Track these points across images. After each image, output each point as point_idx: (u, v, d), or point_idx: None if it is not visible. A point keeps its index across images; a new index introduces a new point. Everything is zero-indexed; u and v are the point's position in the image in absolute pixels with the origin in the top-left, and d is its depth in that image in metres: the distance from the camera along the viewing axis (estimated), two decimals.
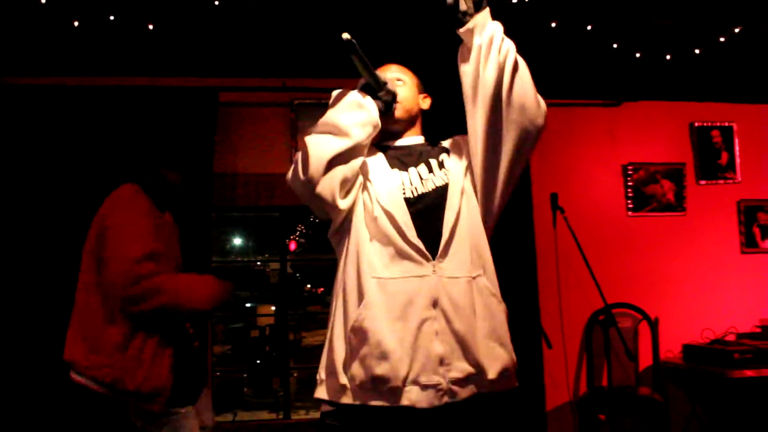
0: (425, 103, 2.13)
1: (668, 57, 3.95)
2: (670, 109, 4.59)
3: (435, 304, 1.76)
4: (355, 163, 1.86)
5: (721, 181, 4.63)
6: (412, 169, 1.95)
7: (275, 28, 3.89)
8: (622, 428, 4.24)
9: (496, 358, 1.81)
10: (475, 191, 1.93)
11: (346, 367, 1.79)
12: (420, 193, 1.90)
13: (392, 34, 3.81)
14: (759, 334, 4.29)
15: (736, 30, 3.79)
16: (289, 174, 1.88)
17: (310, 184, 1.81)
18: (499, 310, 1.86)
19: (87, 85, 3.85)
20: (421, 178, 1.93)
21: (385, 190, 1.88)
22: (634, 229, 4.51)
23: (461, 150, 2.01)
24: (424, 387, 1.74)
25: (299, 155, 1.85)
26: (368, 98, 1.87)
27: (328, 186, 1.81)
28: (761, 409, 4.07)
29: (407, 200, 1.87)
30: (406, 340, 1.74)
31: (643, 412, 3.97)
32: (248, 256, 4.71)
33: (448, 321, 1.76)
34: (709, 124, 4.63)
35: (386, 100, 1.91)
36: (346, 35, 1.68)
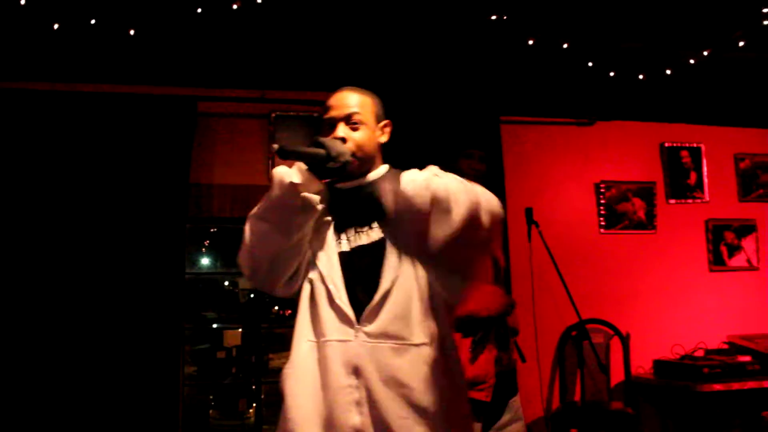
0: (385, 135, 1.88)
1: (641, 77, 4.06)
2: (642, 130, 4.71)
3: (357, 372, 1.65)
4: (301, 250, 1.76)
5: (690, 201, 4.75)
6: (353, 220, 1.81)
7: (256, 39, 3.90)
8: None
9: None
10: None
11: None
12: (355, 246, 1.77)
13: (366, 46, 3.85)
14: (727, 350, 4.38)
15: (705, 53, 3.92)
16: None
17: (253, 280, 1.81)
18: (446, 385, 1.67)
19: (63, 91, 3.80)
20: (357, 230, 1.79)
21: (321, 245, 1.79)
22: (606, 246, 4.58)
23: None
24: None
25: (244, 236, 1.74)
26: (309, 198, 1.69)
27: (269, 282, 1.78)
28: (729, 422, 4.14)
29: (342, 255, 1.76)
30: (320, 409, 1.65)
31: (616, 426, 4.01)
32: (221, 269, 4.69)
33: (369, 391, 1.63)
34: (679, 144, 4.75)
35: (336, 167, 1.67)
36: (275, 146, 1.59)
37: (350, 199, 1.81)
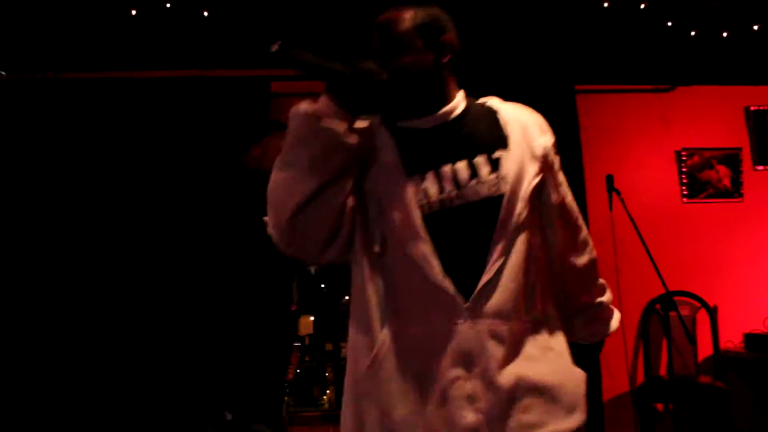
0: (446, 51, 1.47)
1: (724, 35, 3.87)
2: (725, 94, 4.50)
3: (468, 361, 1.34)
4: (338, 199, 1.37)
5: None
6: (444, 170, 1.41)
7: (324, 16, 3.90)
8: (683, 418, 4.12)
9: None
10: (545, 216, 1.50)
11: None
12: (453, 205, 1.39)
13: None
14: None
15: None
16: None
17: (279, 242, 1.40)
18: (566, 371, 1.45)
19: (139, 77, 3.90)
20: (457, 183, 1.40)
21: (395, 206, 1.39)
22: (690, 216, 4.41)
23: (536, 157, 1.46)
24: None
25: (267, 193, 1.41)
26: (327, 120, 1.32)
27: (300, 244, 1.40)
28: None
29: (429, 218, 1.38)
30: (426, 409, 1.34)
31: (705, 401, 3.86)
32: None
33: (487, 382, 1.34)
34: (766, 107, 4.52)
35: (369, 90, 1.35)
36: (274, 47, 1.29)
37: (434, 142, 1.45)
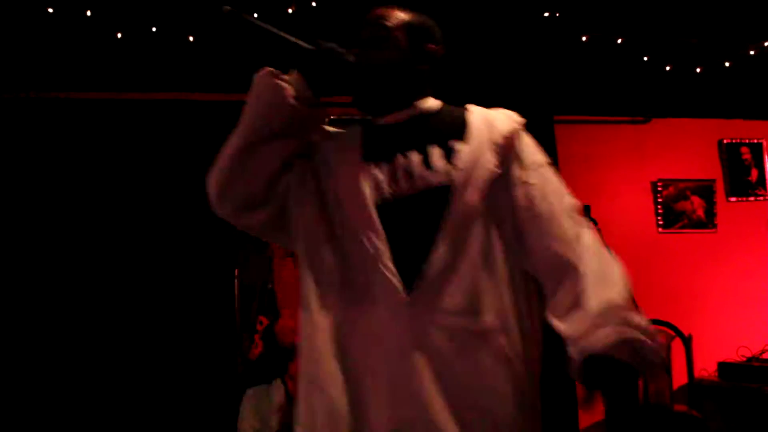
0: (427, 59, 1.50)
1: (698, 70, 3.99)
2: (699, 126, 4.61)
3: (404, 356, 1.29)
4: (269, 164, 1.45)
5: (752, 198, 4.63)
6: (400, 159, 1.41)
7: (311, 41, 3.94)
8: None
9: None
10: (503, 214, 1.41)
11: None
12: (404, 194, 1.37)
13: None
14: None
15: (766, 44, 3.83)
16: None
17: (212, 195, 1.48)
18: (519, 389, 1.33)
19: (122, 99, 3.88)
20: (409, 173, 1.39)
21: (349, 192, 1.40)
22: (665, 246, 4.48)
23: (497, 146, 1.41)
24: None
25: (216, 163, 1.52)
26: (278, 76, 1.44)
27: (228, 197, 1.46)
28: None
29: (382, 207, 1.37)
30: (363, 403, 1.31)
31: (681, 429, 3.89)
32: None
33: (416, 386, 1.28)
34: (738, 140, 4.64)
35: (326, 57, 1.45)
36: (226, 7, 1.36)
37: (395, 136, 1.46)
